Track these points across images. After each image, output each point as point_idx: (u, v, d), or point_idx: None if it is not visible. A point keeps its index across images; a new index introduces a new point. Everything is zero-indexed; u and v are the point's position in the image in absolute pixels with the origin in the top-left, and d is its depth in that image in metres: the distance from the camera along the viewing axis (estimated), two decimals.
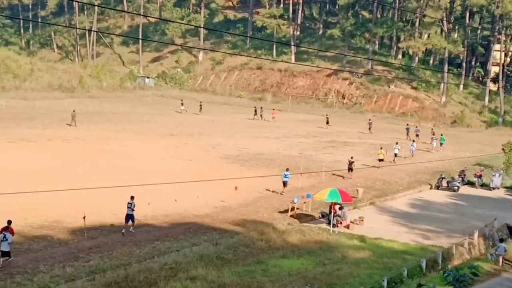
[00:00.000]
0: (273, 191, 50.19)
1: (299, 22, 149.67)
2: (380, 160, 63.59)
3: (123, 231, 36.74)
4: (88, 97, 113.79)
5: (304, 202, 44.72)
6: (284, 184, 50.09)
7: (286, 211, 43.47)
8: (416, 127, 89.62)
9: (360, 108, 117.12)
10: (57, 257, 31.49)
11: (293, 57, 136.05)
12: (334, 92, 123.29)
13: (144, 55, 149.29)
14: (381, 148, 65.75)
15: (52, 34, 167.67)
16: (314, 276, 30.35)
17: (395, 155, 67.96)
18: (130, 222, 37.17)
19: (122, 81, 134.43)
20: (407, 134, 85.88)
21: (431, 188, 57.24)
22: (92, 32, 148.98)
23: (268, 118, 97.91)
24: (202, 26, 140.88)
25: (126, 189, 36.33)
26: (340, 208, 41.67)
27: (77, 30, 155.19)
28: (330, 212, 41.53)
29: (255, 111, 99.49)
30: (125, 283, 27.79)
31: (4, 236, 30.27)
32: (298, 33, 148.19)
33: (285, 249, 35.10)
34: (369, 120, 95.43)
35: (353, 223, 41.57)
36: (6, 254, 30.32)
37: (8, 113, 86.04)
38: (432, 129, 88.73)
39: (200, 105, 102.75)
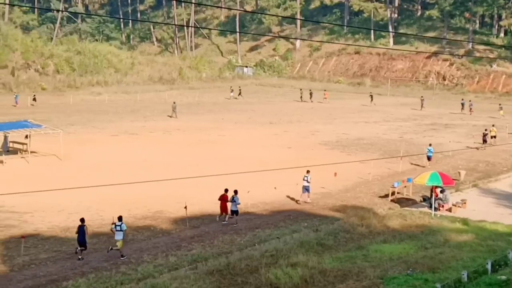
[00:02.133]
0: (417, 165, 53.77)
1: (396, 4, 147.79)
2: (493, 137, 64.22)
3: (298, 201, 41.83)
4: (188, 88, 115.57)
5: (405, 186, 44.22)
6: (429, 158, 53.67)
7: (386, 195, 43.08)
8: (470, 101, 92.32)
9: (461, 89, 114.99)
10: (160, 247, 32.10)
11: (391, 40, 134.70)
12: (435, 74, 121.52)
13: (242, 45, 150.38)
14: (493, 125, 66.28)
15: (151, 27, 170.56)
16: (416, 261, 29.95)
17: None
18: (306, 193, 41.69)
19: (221, 71, 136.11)
20: (462, 109, 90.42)
21: None
22: (190, 24, 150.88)
23: (320, 100, 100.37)
24: (297, 17, 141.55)
25: (225, 178, 36.74)
26: (442, 191, 41.00)
27: (176, 22, 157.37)
28: (431, 195, 40.87)
29: (310, 93, 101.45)
30: (226, 271, 28.05)
31: (233, 198, 36.82)
32: (396, 15, 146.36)
33: (386, 234, 34.77)
34: (421, 97, 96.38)
35: (455, 206, 40.88)
36: (235, 212, 37.17)
37: (111, 107, 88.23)
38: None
39: (239, 90, 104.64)
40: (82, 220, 30.92)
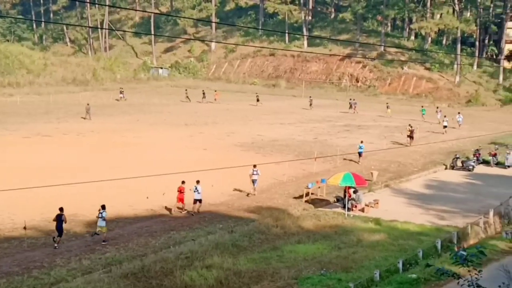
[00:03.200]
0: (351, 160, 56.42)
1: (310, 7, 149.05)
2: (408, 136, 66.22)
3: (250, 194, 44.64)
4: (102, 89, 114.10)
5: (319, 187, 44.73)
6: (360, 154, 56.17)
7: (301, 196, 43.51)
8: (354, 100, 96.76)
9: (374, 91, 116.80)
10: (73, 251, 31.76)
11: (305, 42, 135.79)
12: (348, 76, 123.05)
13: (157, 46, 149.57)
14: (409, 125, 67.93)
15: (65, 28, 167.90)
16: (329, 261, 30.41)
17: (445, 127, 74.52)
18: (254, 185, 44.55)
19: (135, 73, 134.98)
20: (350, 107, 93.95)
21: (446, 168, 57.10)
22: (104, 25, 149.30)
23: (211, 100, 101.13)
24: (212, 19, 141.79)
25: (141, 181, 36.54)
26: (355, 192, 41.67)
27: (89, 23, 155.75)
28: (344, 196, 41.53)
29: (203, 94, 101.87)
30: (141, 274, 27.97)
31: (196, 188, 39.13)
32: (310, 18, 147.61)
33: (300, 235, 35.18)
34: (310, 97, 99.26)
35: (368, 206, 41.61)
36: (198, 201, 39.58)
37: (23, 108, 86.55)
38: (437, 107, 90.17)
39: (122, 91, 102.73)
40: (61, 209, 32.98)
